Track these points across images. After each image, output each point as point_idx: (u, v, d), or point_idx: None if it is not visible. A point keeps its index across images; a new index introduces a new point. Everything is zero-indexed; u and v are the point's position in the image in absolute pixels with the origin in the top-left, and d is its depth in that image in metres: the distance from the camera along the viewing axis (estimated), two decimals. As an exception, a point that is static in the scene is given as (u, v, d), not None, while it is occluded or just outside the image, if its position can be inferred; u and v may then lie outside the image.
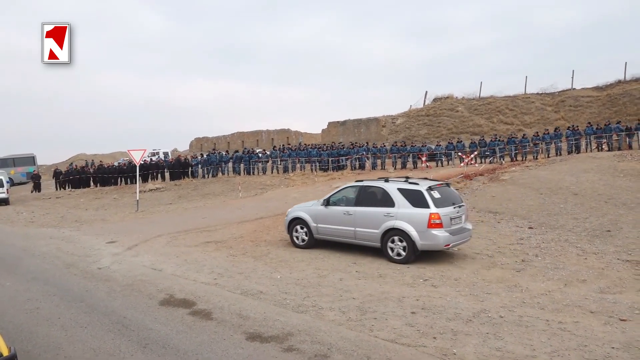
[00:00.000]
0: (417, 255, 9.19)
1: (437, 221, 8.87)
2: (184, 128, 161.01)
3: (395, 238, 9.25)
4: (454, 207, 9.38)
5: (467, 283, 7.79)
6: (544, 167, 19.66)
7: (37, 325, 6.20)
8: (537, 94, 36.87)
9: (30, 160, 38.44)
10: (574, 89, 35.71)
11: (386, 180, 10.16)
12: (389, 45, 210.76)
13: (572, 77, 36.25)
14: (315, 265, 9.14)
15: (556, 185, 15.94)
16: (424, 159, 26.65)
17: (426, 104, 41.22)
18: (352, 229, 9.95)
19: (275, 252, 10.36)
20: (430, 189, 9.33)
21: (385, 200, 9.61)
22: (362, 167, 27.02)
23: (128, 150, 22.11)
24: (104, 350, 5.29)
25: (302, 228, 10.84)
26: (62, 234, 14.32)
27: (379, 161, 27.57)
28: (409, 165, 26.99)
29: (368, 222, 9.67)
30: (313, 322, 6.03)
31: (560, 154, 24.32)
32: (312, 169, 27.41)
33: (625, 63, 34.22)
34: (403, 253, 9.16)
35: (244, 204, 19.13)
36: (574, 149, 24.58)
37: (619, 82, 34.15)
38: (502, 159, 25.35)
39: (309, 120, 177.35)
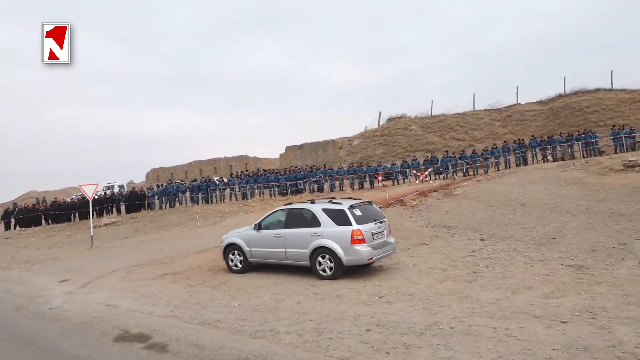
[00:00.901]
0: (344, 270, 9.72)
1: (360, 237, 9.47)
2: (139, 159, 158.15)
3: (324, 255, 9.79)
4: (375, 223, 9.95)
5: (420, 297, 8.02)
6: (493, 180, 20.42)
7: None
8: (485, 110, 38.34)
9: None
10: (519, 103, 37.39)
11: (312, 202, 10.74)
12: (342, 68, 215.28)
13: (517, 93, 38.05)
14: (273, 290, 9.17)
15: (505, 197, 16.59)
16: (380, 178, 27.14)
17: (381, 124, 42.14)
18: (283, 250, 10.39)
19: (233, 280, 10.33)
20: (352, 207, 9.90)
21: (312, 220, 10.12)
22: (320, 189, 27.24)
23: (80, 185, 21.55)
24: (55, 392, 5.17)
25: (236, 253, 11.18)
26: (12, 276, 13.78)
27: (337, 182, 27.88)
28: (367, 185, 27.41)
29: (297, 242, 10.17)
30: (269, 347, 6.08)
31: (509, 167, 25.31)
32: (270, 194, 27.44)
33: (564, 78, 36.30)
34: (329, 271, 9.72)
35: (203, 233, 18.93)
36: (521, 162, 25.64)
37: (560, 95, 36.03)
38: (455, 175, 26.13)
39: (267, 146, 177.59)
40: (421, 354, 5.50)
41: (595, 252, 10.38)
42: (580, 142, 25.15)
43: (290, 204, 11.88)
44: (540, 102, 36.62)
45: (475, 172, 26.11)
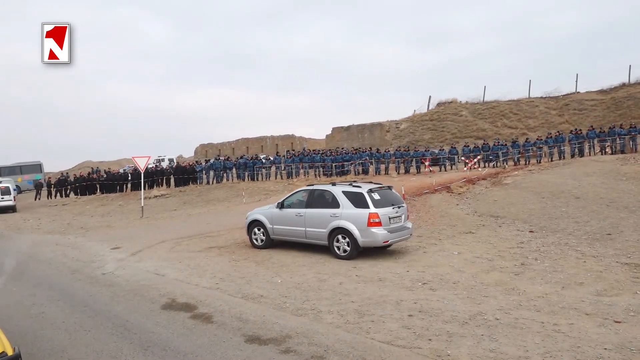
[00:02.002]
0: (359, 251, 10.03)
1: (376, 220, 9.77)
2: (188, 135, 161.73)
3: (340, 236, 10.14)
4: (393, 208, 10.22)
5: (465, 286, 7.87)
6: (546, 170, 19.69)
7: (42, 329, 6.34)
8: (541, 97, 36.82)
9: (37, 167, 38.85)
10: (578, 92, 35.66)
11: (333, 184, 11.16)
12: (393, 51, 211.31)
13: (576, 81, 36.28)
14: (316, 270, 9.25)
15: (558, 189, 15.97)
16: (427, 163, 26.72)
17: (430, 108, 41.26)
18: (303, 229, 10.79)
19: (277, 257, 10.48)
20: (371, 191, 10.20)
21: (332, 202, 10.49)
22: (365, 172, 27.09)
23: (133, 157, 22.34)
24: (107, 353, 5.42)
25: (259, 230, 11.66)
26: (68, 241, 14.52)
27: (382, 166, 27.64)
28: (412, 170, 27.05)
29: (317, 222, 10.55)
30: (311, 325, 6.14)
31: (564, 158, 24.32)
32: (315, 175, 27.53)
33: (630, 66, 34.16)
34: (347, 249, 10.03)
35: (248, 209, 19.22)
36: (577, 153, 24.56)
37: (624, 85, 34.07)
38: (505, 163, 25.37)
39: (313, 126, 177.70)
40: (465, 343, 5.41)
41: (654, 251, 9.86)
42: (643, 135, 23.77)
43: (312, 184, 12.41)
44: (601, 92, 34.78)
45: (528, 162, 25.27)
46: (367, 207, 9.88)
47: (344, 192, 10.37)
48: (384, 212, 9.93)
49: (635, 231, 11.39)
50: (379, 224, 9.78)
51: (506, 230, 12.58)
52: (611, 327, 5.86)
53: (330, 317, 6.45)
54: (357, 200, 10.08)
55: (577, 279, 8.15)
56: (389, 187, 11.02)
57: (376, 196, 10.15)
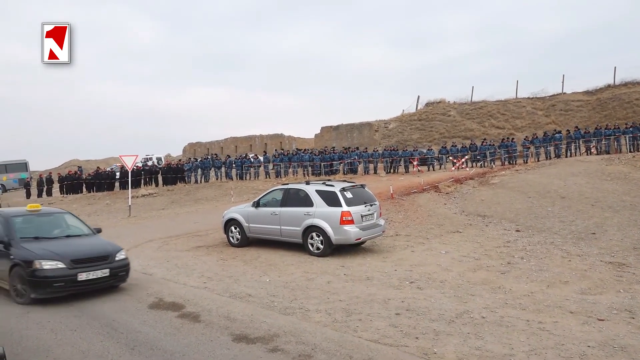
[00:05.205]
0: (333, 249, 10.22)
1: (349, 218, 9.99)
2: (177, 134, 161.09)
3: (314, 234, 10.34)
4: (365, 206, 10.46)
5: (452, 285, 7.94)
6: (533, 170, 19.89)
7: (27, 329, 6.27)
8: (528, 98, 37.13)
9: (23, 166, 38.33)
10: (565, 93, 36.03)
11: (307, 183, 11.29)
12: (381, 51, 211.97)
13: (563, 82, 36.74)
14: (304, 269, 9.26)
15: (544, 188, 16.14)
16: (415, 163, 26.84)
17: (418, 108, 41.43)
18: (278, 227, 10.97)
19: (265, 256, 10.48)
20: (343, 190, 10.46)
21: (306, 200, 10.63)
22: (354, 171, 27.14)
23: (120, 156, 22.13)
24: (93, 352, 5.38)
25: (235, 228, 11.81)
26: (54, 240, 14.33)
27: (371, 165, 27.72)
28: (401, 169, 27.16)
29: (291, 220, 10.73)
30: (299, 324, 6.15)
31: (550, 158, 24.57)
32: (304, 174, 27.51)
33: (615, 68, 34.60)
34: (321, 247, 10.23)
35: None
36: (563, 153, 24.83)
37: (609, 86, 34.49)
38: (492, 163, 25.57)
39: (302, 125, 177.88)
40: (451, 341, 5.46)
41: (637, 250, 10.02)
42: (627, 136, 24.08)
43: (287, 183, 12.63)
44: (587, 93, 35.18)
45: (514, 162, 25.50)
46: (340, 205, 10.10)
47: (317, 191, 10.57)
48: (356, 210, 10.16)
49: (619, 230, 11.56)
50: (351, 221, 9.99)
51: (493, 229, 12.70)
52: (595, 325, 5.95)
53: (318, 316, 6.47)
54: (330, 199, 10.30)
55: (562, 278, 8.26)
56: (362, 186, 11.31)
57: (349, 195, 10.39)
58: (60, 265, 7.25)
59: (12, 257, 7.46)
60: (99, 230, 9.09)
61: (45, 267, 7.16)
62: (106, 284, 7.77)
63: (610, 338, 5.48)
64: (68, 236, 8.40)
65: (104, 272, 7.57)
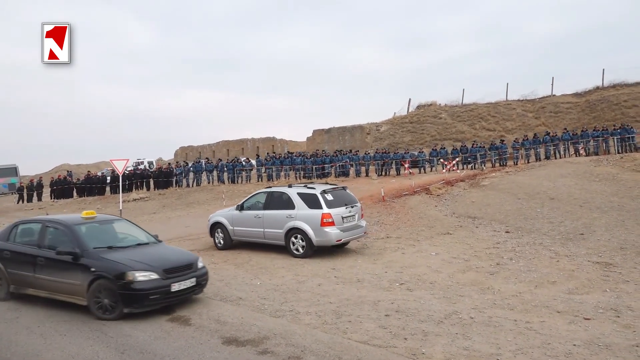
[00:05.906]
0: (314, 250, 10.40)
1: (329, 220, 10.19)
2: (168, 137, 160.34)
3: (297, 236, 10.54)
4: (347, 207, 10.65)
5: (441, 286, 8.01)
6: (522, 172, 20.06)
7: (17, 334, 6.25)
8: (518, 100, 37.39)
9: (13, 171, 38.07)
10: (554, 95, 36.32)
11: (289, 186, 11.47)
12: (373, 54, 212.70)
13: (552, 84, 36.97)
14: (295, 272, 9.30)
15: (534, 190, 16.29)
16: (406, 165, 26.94)
17: (410, 111, 41.57)
18: (262, 229, 11.17)
19: (256, 259, 10.50)
20: (324, 192, 10.63)
21: (288, 203, 10.85)
22: (345, 174, 27.20)
23: (111, 160, 22.00)
24: (82, 357, 5.38)
25: (221, 232, 12.01)
26: (44, 245, 14.25)
27: (362, 168, 27.79)
28: (392, 172, 27.25)
29: (274, 223, 10.94)
30: (289, 326, 6.18)
31: (540, 160, 24.78)
32: (296, 177, 27.54)
33: (603, 70, 34.97)
34: (301, 250, 10.45)
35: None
36: (552, 154, 25.04)
37: (597, 88, 34.81)
38: (483, 165, 25.73)
39: (294, 129, 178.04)
40: (439, 341, 5.52)
41: (624, 250, 10.16)
42: (615, 137, 24.32)
43: (270, 187, 12.80)
44: (576, 95, 35.50)
45: (504, 164, 25.68)
46: (320, 207, 10.28)
47: (299, 194, 10.75)
48: (337, 212, 10.33)
49: (607, 231, 11.71)
50: (331, 223, 10.17)
51: (483, 231, 12.80)
52: (581, 324, 6.04)
53: (308, 318, 6.51)
54: (311, 201, 10.47)
55: (550, 278, 8.36)
56: (343, 188, 11.51)
57: (329, 197, 10.56)
58: (154, 276, 6.73)
59: (92, 269, 6.78)
60: (157, 238, 8.31)
61: (139, 278, 6.62)
62: (192, 294, 7.33)
63: (596, 337, 5.57)
64: (139, 244, 7.72)
65: (191, 282, 7.12)
